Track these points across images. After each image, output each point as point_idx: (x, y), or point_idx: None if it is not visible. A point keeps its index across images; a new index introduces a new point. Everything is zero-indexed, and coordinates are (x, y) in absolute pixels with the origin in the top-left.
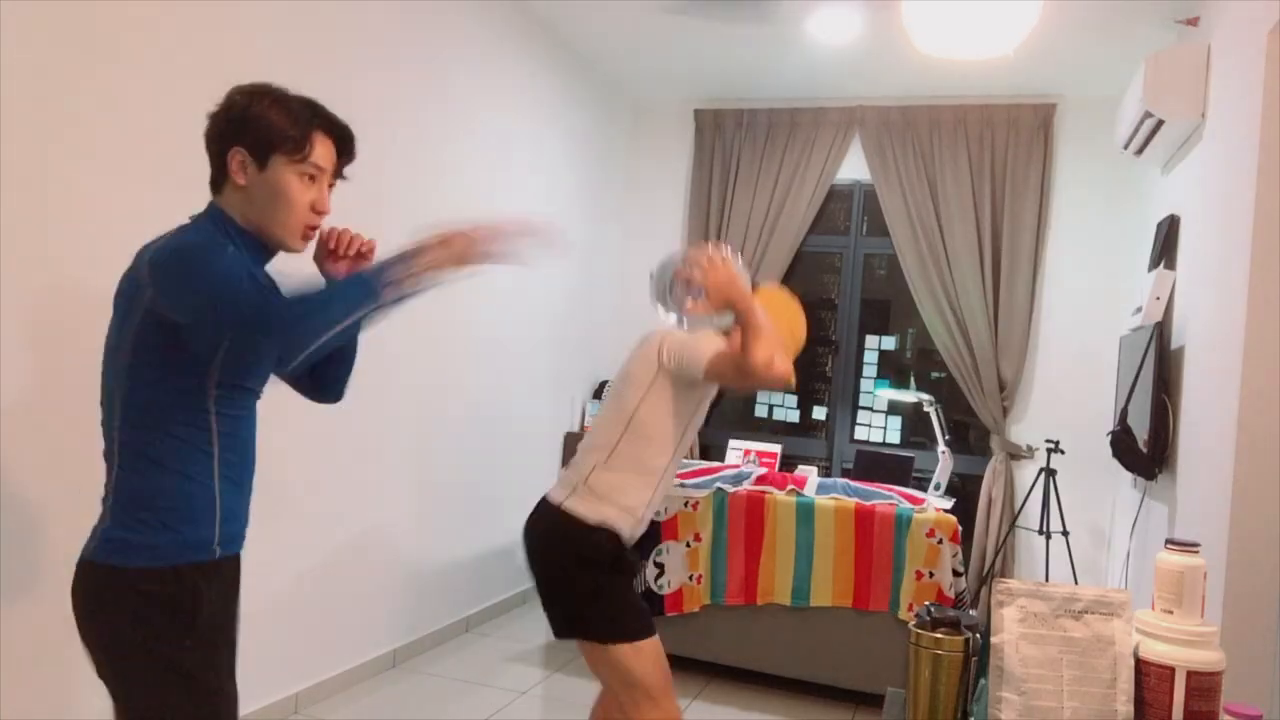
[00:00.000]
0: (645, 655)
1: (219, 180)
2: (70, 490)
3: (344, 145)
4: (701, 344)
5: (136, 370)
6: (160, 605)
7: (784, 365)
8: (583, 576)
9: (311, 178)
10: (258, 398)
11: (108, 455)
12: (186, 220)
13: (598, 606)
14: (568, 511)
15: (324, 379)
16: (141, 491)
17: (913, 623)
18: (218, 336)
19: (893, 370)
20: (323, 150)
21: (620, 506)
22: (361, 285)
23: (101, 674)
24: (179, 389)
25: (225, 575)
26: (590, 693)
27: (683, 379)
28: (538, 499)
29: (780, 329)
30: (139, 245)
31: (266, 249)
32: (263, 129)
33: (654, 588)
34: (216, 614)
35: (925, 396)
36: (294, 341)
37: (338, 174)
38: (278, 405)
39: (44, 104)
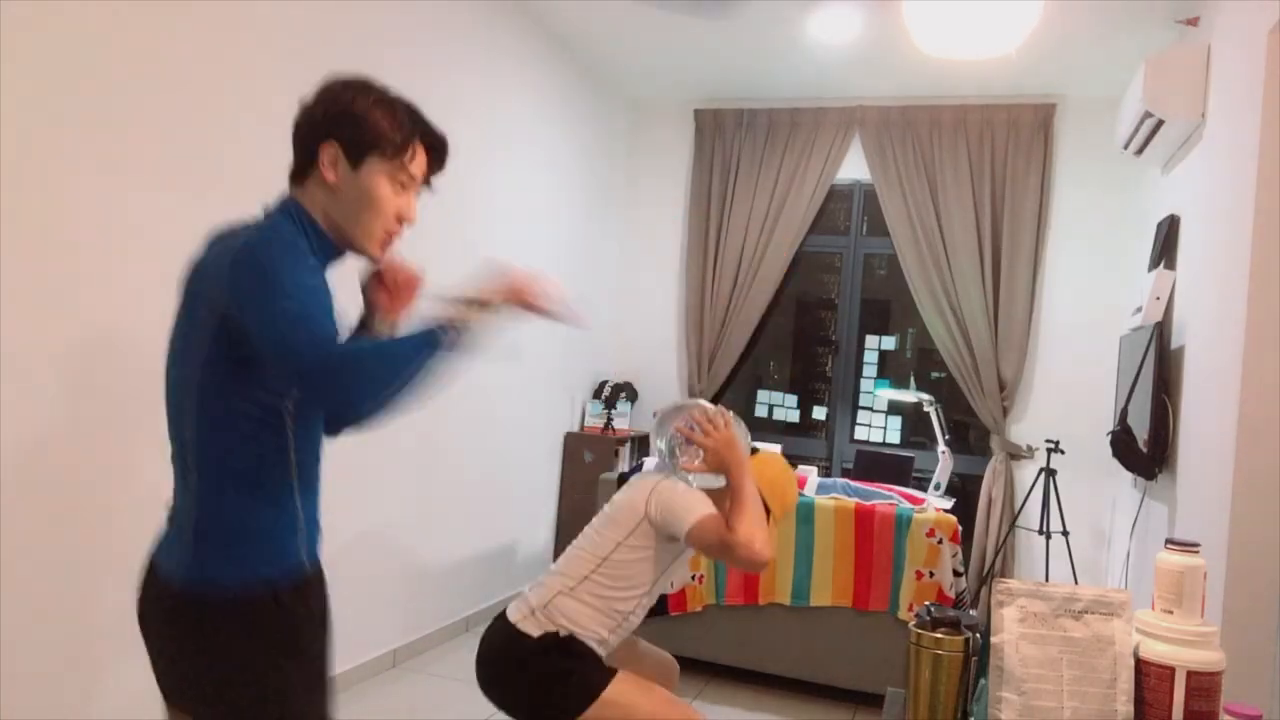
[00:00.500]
0: (622, 701)
1: (302, 172)
2: (89, 498)
3: (438, 156)
4: (690, 503)
5: (211, 377)
6: (260, 628)
7: (764, 549)
8: (526, 676)
9: (403, 185)
10: None
11: (179, 465)
12: (260, 214)
13: (551, 693)
14: (519, 630)
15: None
16: (226, 512)
17: (913, 623)
18: (277, 370)
19: (893, 370)
20: (420, 160)
21: (576, 629)
22: (423, 338)
23: (182, 699)
24: (257, 399)
25: (316, 585)
26: None
27: (665, 532)
28: (541, 499)
29: (771, 496)
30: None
31: (338, 250)
32: (365, 127)
33: None
34: (316, 631)
35: (925, 396)
36: (345, 403)
37: (426, 184)
38: None
39: (52, 107)
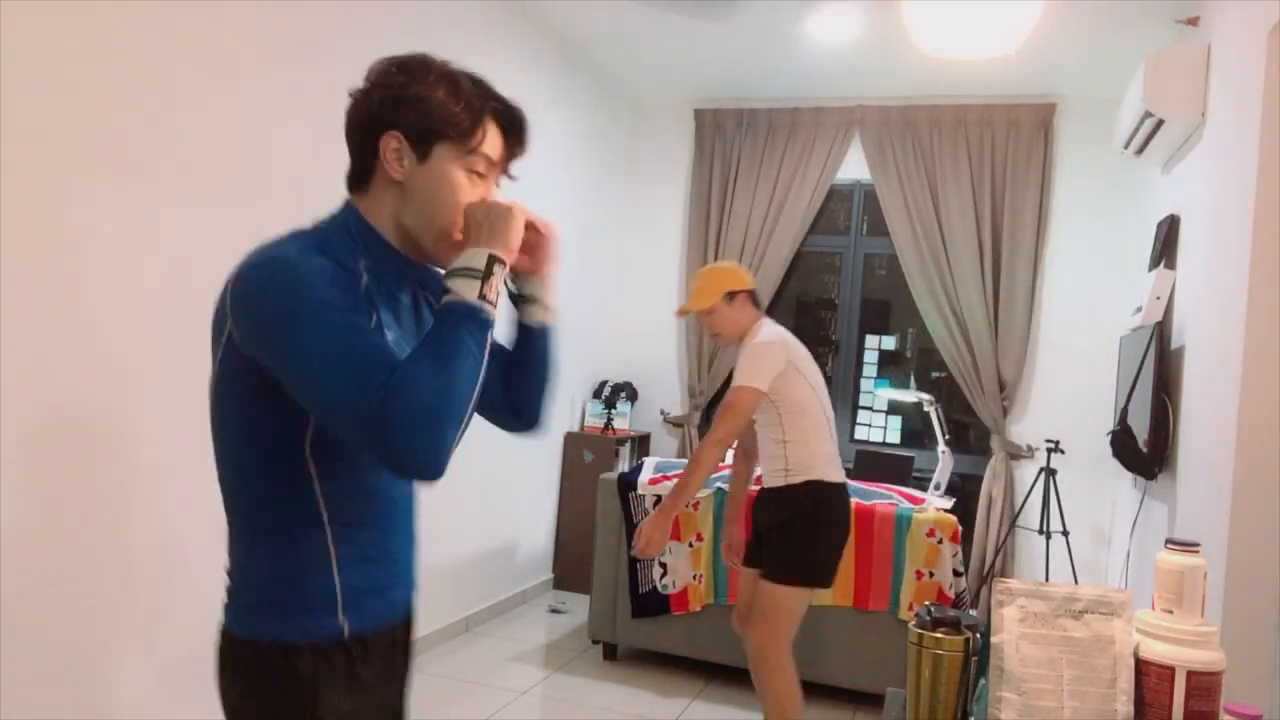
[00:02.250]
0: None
1: (362, 176)
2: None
3: (516, 135)
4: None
5: (223, 419)
6: (276, 685)
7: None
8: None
9: (480, 174)
10: None
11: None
12: (306, 225)
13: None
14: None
15: (516, 404)
16: (250, 566)
17: (913, 623)
18: (319, 419)
19: (893, 370)
20: (494, 140)
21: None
22: (461, 320)
23: None
24: (269, 446)
25: (361, 654)
26: (590, 693)
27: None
28: (541, 499)
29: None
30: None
31: (408, 263)
32: (428, 110)
33: (659, 587)
34: (348, 701)
35: (925, 396)
36: (415, 441)
37: (505, 171)
38: None
39: (47, 109)
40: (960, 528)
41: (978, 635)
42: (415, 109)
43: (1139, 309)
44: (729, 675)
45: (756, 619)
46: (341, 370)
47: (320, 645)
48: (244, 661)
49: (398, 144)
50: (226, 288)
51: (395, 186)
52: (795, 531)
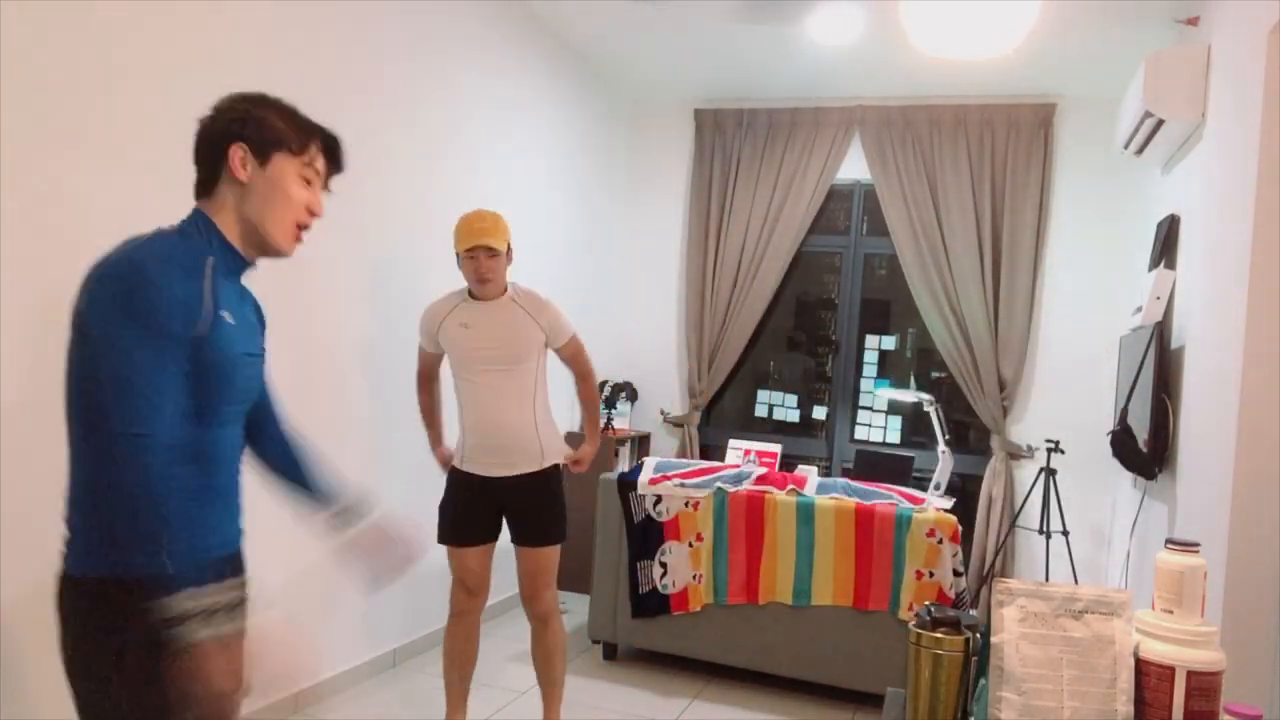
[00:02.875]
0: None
1: (210, 182)
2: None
3: (335, 156)
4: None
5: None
6: (94, 617)
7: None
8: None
9: (309, 180)
10: (229, 417)
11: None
12: (168, 226)
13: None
14: None
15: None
16: (81, 490)
17: (913, 623)
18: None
19: (893, 370)
20: (319, 158)
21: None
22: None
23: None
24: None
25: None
26: (587, 693)
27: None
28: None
29: None
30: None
31: (245, 260)
32: (267, 128)
33: (659, 587)
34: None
35: (925, 396)
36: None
37: (326, 184)
38: None
39: (40, 99)
40: (960, 528)
41: (978, 635)
42: (257, 126)
43: (1139, 309)
44: (729, 675)
45: (543, 584)
46: (122, 404)
47: (141, 574)
48: (86, 602)
49: (243, 153)
50: (89, 281)
51: (238, 186)
52: (547, 504)
